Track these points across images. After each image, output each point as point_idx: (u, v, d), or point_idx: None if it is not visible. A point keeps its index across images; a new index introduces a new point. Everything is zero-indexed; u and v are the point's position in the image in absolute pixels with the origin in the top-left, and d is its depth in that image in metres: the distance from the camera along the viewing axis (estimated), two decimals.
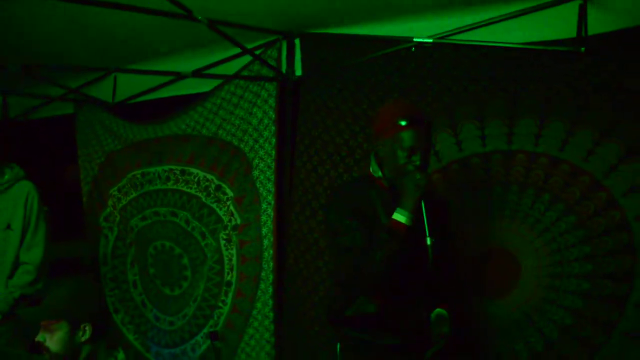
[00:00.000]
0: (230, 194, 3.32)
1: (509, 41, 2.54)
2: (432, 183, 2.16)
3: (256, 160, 3.21)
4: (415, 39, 2.73)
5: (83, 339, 1.97)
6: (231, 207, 3.30)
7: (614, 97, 2.36)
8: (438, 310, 2.13)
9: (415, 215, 1.98)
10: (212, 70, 3.36)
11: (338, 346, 2.21)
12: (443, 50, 2.70)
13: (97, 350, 2.03)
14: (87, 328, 1.97)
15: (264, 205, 3.21)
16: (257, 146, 3.21)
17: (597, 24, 2.42)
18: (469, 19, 2.64)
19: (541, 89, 2.48)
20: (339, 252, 2.09)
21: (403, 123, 2.03)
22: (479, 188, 2.61)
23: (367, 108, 2.88)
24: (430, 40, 2.70)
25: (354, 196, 2.12)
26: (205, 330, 3.39)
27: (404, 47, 2.78)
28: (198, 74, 3.33)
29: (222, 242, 3.34)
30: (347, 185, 2.33)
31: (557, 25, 2.49)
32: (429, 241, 1.96)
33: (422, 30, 2.74)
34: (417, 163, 2.02)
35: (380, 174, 2.12)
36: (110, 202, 3.88)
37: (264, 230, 3.20)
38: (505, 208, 2.54)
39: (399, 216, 1.98)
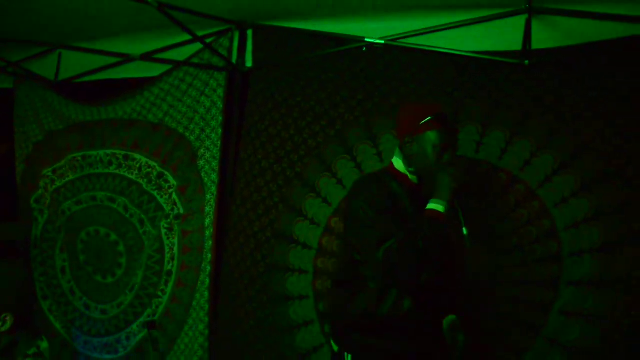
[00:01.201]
0: (173, 182, 3.25)
1: (458, 48, 2.59)
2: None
3: (202, 150, 3.16)
4: (367, 39, 2.75)
5: (3, 329, 1.90)
6: (174, 196, 3.24)
7: (552, 110, 2.44)
8: (450, 317, 2.11)
9: (450, 206, 2.00)
10: (162, 55, 3.28)
11: (348, 357, 2.10)
12: (393, 53, 2.72)
13: (19, 340, 1.96)
14: (7, 318, 1.90)
15: (208, 196, 3.16)
16: (203, 136, 3.16)
17: (542, 40, 2.50)
18: (421, 23, 2.67)
19: (485, 98, 2.54)
20: (369, 246, 1.99)
21: (434, 121, 2.07)
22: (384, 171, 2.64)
23: (315, 104, 2.88)
24: (382, 42, 2.72)
25: (381, 189, 2.09)
26: (142, 319, 3.32)
27: (355, 47, 2.79)
28: (147, 57, 3.24)
29: (163, 231, 3.27)
30: (372, 178, 2.21)
31: (504, 38, 2.56)
32: (465, 231, 2.00)
33: (374, 31, 2.76)
34: (449, 159, 2.08)
35: (410, 168, 2.12)
36: (42, 183, 3.74)
37: (207, 221, 3.15)
38: None
39: (436, 206, 1.99)
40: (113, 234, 3.48)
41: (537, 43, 2.50)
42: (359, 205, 2.05)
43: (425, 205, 2.01)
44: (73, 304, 3.60)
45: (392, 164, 2.17)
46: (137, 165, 3.37)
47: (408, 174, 2.13)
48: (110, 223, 3.47)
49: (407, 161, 2.13)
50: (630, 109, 2.34)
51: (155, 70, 3.36)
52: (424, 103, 2.38)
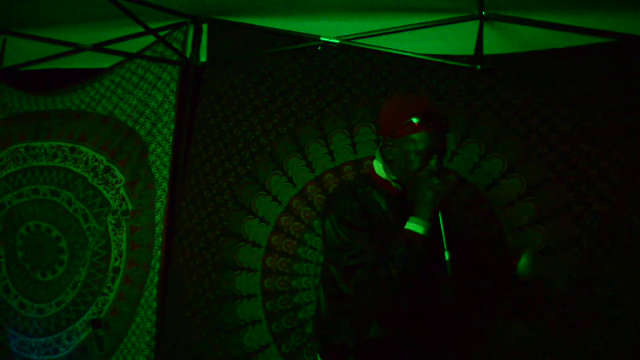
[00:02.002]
0: (121, 177, 3.17)
1: (413, 51, 2.61)
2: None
3: (153, 145, 3.09)
4: (322, 38, 2.74)
5: None
6: (122, 192, 3.16)
7: (501, 115, 2.48)
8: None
9: (433, 226, 1.73)
10: (115, 47, 3.19)
11: None
12: (348, 53, 2.73)
13: None
14: None
15: (159, 192, 3.09)
16: (155, 130, 3.09)
17: (494, 46, 2.55)
18: (376, 25, 2.69)
19: (436, 101, 2.55)
20: (345, 272, 1.77)
21: (418, 122, 1.77)
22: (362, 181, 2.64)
23: (268, 102, 2.85)
24: (337, 42, 2.72)
25: (359, 202, 1.81)
26: (86, 317, 3.21)
27: (310, 45, 2.78)
28: (98, 48, 3.14)
29: (110, 227, 3.18)
30: (348, 189, 1.94)
31: (458, 42, 2.59)
32: (447, 256, 1.69)
33: (330, 31, 2.76)
34: (434, 168, 1.79)
35: (392, 176, 1.87)
36: None
37: (158, 218, 3.08)
38: None
39: (415, 226, 1.72)
40: (55, 230, 3.36)
41: (490, 49, 2.54)
42: (330, 225, 1.81)
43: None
44: (7, 302, 3.46)
45: (372, 168, 1.92)
46: (84, 159, 3.27)
47: (391, 181, 1.88)
48: (53, 218, 3.35)
49: (387, 167, 1.87)
50: (574, 115, 2.40)
51: (107, 61, 3.27)
52: (410, 97, 2.00)
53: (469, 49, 2.55)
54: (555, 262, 1.91)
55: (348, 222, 1.77)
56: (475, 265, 2.17)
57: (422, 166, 1.80)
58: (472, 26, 2.53)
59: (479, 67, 2.52)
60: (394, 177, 1.87)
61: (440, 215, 1.74)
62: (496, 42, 2.55)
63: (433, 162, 1.80)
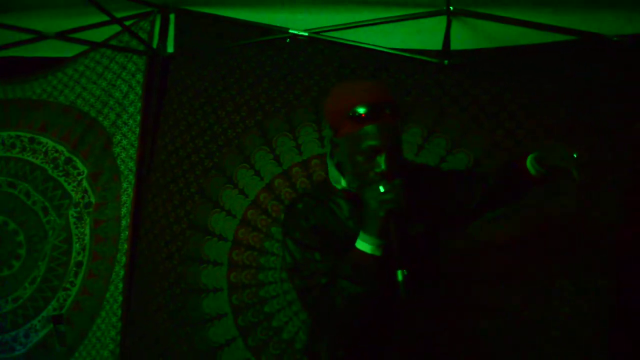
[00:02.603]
0: (83, 169, 3.09)
1: (382, 45, 2.61)
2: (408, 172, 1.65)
3: (118, 137, 3.03)
4: (290, 31, 2.72)
5: None
6: (84, 184, 3.08)
7: (468, 110, 2.51)
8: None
9: (387, 239, 1.50)
10: (79, 35, 3.11)
11: None
12: (317, 46, 2.71)
13: None
14: None
15: (124, 184, 3.03)
16: (119, 122, 3.03)
17: (462, 41, 2.57)
18: (345, 18, 2.67)
19: (403, 95, 2.57)
20: (299, 293, 1.65)
21: (359, 115, 1.52)
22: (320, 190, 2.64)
23: (236, 94, 2.82)
24: (306, 34, 2.70)
25: (314, 211, 1.63)
26: (45, 313, 3.12)
27: (279, 38, 2.76)
28: (62, 36, 3.06)
29: (72, 220, 3.10)
30: (305, 199, 1.72)
31: (426, 37, 2.60)
32: (399, 276, 1.44)
33: (298, 23, 2.73)
34: (382, 167, 1.52)
35: (343, 184, 1.63)
36: None
37: (124, 210, 3.02)
38: None
39: (363, 244, 1.51)
40: (12, 223, 3.25)
41: (457, 44, 2.57)
42: (283, 244, 1.67)
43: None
44: None
45: (329, 181, 1.71)
46: (43, 149, 3.18)
47: (347, 188, 1.65)
48: (10, 210, 3.24)
49: (337, 171, 1.65)
50: (539, 112, 2.44)
51: (71, 50, 3.19)
52: (350, 85, 1.66)
53: (438, 44, 2.57)
54: (562, 149, 1.74)
55: (298, 240, 1.61)
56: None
57: (370, 168, 1.54)
58: (441, 21, 2.55)
59: (446, 62, 2.54)
60: (344, 185, 1.64)
61: (392, 226, 1.49)
62: (464, 38, 2.57)
63: (381, 162, 1.53)
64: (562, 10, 2.44)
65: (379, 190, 1.50)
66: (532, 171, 1.76)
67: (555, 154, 1.74)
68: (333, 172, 1.67)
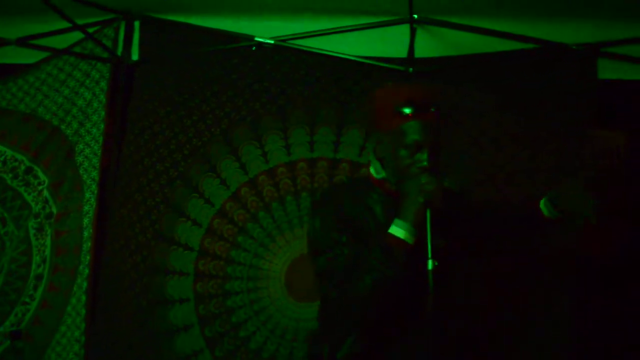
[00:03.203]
0: (45, 178, 3.01)
1: (348, 53, 2.63)
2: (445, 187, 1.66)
3: (81, 145, 2.97)
4: (256, 38, 2.72)
5: None
6: (45, 194, 3.00)
7: None
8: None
9: (420, 229, 1.53)
10: (41, 42, 3.05)
11: None
12: (283, 54, 2.71)
13: None
14: None
15: (87, 194, 2.96)
16: (82, 130, 2.97)
17: (426, 49, 2.60)
18: (311, 26, 2.69)
19: (369, 102, 2.57)
20: (320, 275, 1.63)
21: (406, 111, 1.59)
22: (301, 192, 2.66)
23: (201, 102, 2.80)
24: (272, 42, 2.70)
25: (348, 202, 1.66)
26: (2, 329, 3.02)
27: (245, 45, 2.75)
28: (23, 42, 3.00)
29: (32, 232, 3.01)
30: (340, 188, 1.85)
31: (391, 45, 2.63)
32: (430, 265, 1.48)
33: (264, 31, 2.73)
34: (424, 163, 1.58)
35: (383, 174, 1.67)
36: None
37: (86, 221, 2.95)
38: None
39: (397, 230, 1.53)
40: None
41: (422, 52, 2.60)
42: (312, 227, 1.68)
43: None
44: None
45: (370, 172, 1.75)
46: (1, 159, 3.07)
47: (384, 180, 1.69)
48: None
49: (379, 164, 1.69)
50: (502, 119, 2.48)
51: (33, 57, 3.11)
52: (400, 85, 1.77)
53: (403, 52, 2.60)
54: (578, 192, 1.72)
55: (328, 220, 1.64)
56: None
57: (412, 162, 1.60)
58: (405, 29, 2.57)
59: (411, 69, 2.57)
60: (384, 176, 1.68)
61: (428, 217, 1.52)
62: (428, 45, 2.61)
63: (422, 157, 1.58)
64: (524, 19, 2.50)
65: (420, 180, 1.55)
66: (546, 212, 1.77)
67: (572, 198, 1.73)
68: (376, 165, 1.71)
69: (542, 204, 1.77)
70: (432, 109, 1.62)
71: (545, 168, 2.44)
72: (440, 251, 1.55)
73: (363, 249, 1.58)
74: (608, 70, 2.51)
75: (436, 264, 1.47)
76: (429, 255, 1.48)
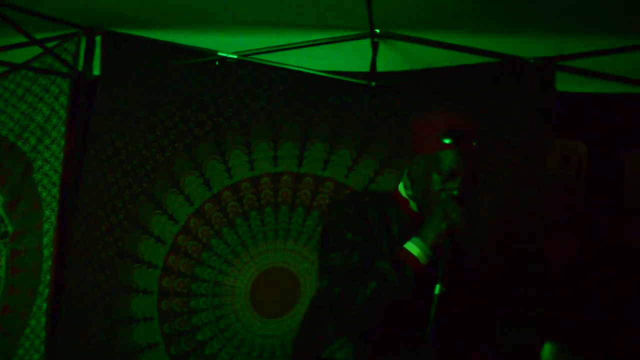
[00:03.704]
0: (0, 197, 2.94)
1: (311, 67, 2.64)
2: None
3: (39, 162, 2.90)
4: (219, 53, 2.71)
5: None
6: (1, 212, 2.93)
7: (395, 131, 2.55)
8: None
9: (434, 255, 1.53)
10: None
11: None
12: (246, 68, 2.71)
13: None
14: None
15: (47, 212, 2.89)
16: (41, 146, 2.90)
17: (389, 63, 2.62)
18: (274, 40, 2.68)
19: (332, 117, 2.59)
20: (322, 273, 1.65)
21: (446, 141, 1.62)
22: (265, 207, 2.64)
23: (164, 117, 2.77)
24: (235, 57, 2.70)
25: (371, 209, 1.68)
26: None
27: (208, 60, 2.74)
28: None
29: None
30: (365, 194, 1.87)
31: (355, 59, 2.64)
32: (437, 289, 1.47)
33: (227, 46, 2.73)
34: (455, 193, 1.60)
35: (410, 193, 1.71)
36: None
37: (46, 240, 2.88)
38: (290, 229, 2.59)
39: (413, 247, 1.53)
40: None
41: (384, 66, 2.62)
42: (324, 227, 1.74)
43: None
44: None
45: (397, 188, 1.78)
46: None
47: (409, 199, 1.72)
48: None
49: (409, 183, 1.73)
50: None
51: None
52: (445, 114, 1.78)
53: (365, 66, 2.61)
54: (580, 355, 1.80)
55: (346, 224, 1.65)
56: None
57: (443, 188, 1.62)
58: (368, 44, 2.59)
59: (373, 83, 2.58)
60: (410, 194, 1.71)
61: (447, 244, 1.52)
62: (391, 60, 2.63)
63: (454, 185, 1.60)
64: (484, 34, 2.54)
65: (450, 206, 1.56)
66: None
67: None
68: (406, 183, 1.74)
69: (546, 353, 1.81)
70: (474, 143, 1.65)
71: (504, 179, 2.48)
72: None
73: (375, 256, 1.58)
74: (566, 83, 2.56)
75: (444, 290, 1.46)
76: (439, 281, 1.47)
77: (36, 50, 2.92)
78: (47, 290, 2.84)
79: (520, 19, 2.42)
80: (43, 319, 2.84)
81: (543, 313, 2.44)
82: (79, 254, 2.83)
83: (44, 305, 2.84)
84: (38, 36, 2.75)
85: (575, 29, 2.45)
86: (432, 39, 2.53)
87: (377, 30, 2.52)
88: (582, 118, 3.59)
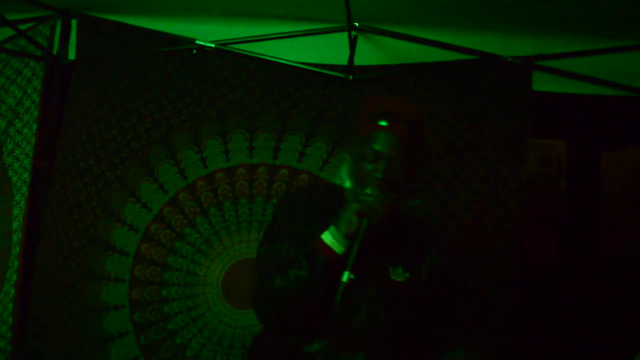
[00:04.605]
0: None
1: (290, 59, 2.62)
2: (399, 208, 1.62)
3: (10, 146, 2.85)
4: (197, 42, 2.68)
5: None
6: None
7: None
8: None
9: (349, 242, 1.49)
10: None
11: None
12: (224, 57, 2.68)
13: None
14: None
15: (17, 197, 2.84)
16: (12, 130, 2.85)
17: (367, 57, 2.62)
18: (253, 30, 2.66)
19: (309, 109, 2.58)
20: (256, 267, 1.64)
21: (373, 122, 1.59)
22: (239, 198, 2.63)
23: (140, 105, 2.73)
24: (213, 45, 2.67)
25: (310, 204, 1.65)
26: None
27: (185, 48, 2.70)
28: None
29: None
30: (305, 192, 1.86)
31: (333, 52, 2.64)
32: (345, 277, 1.42)
33: (206, 34, 2.69)
34: (378, 175, 1.55)
35: (347, 183, 1.64)
36: None
37: (15, 225, 2.83)
38: (264, 221, 2.58)
39: (327, 235, 1.50)
40: None
41: (362, 60, 2.61)
42: (276, 216, 1.72)
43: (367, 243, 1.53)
44: None
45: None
46: None
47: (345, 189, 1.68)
48: None
49: (346, 172, 1.69)
50: (440, 128, 2.53)
51: None
52: (388, 97, 1.82)
53: (344, 59, 2.61)
54: None
55: (280, 221, 1.66)
56: None
57: (369, 172, 1.57)
58: (346, 37, 2.58)
59: (351, 77, 2.58)
60: (348, 183, 1.66)
61: (362, 231, 1.47)
62: (369, 54, 2.64)
63: (380, 169, 1.56)
64: (463, 31, 2.55)
65: (365, 191, 1.51)
66: None
67: None
68: (343, 170, 1.69)
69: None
70: (402, 124, 1.59)
71: (479, 176, 2.50)
72: (399, 285, 1.56)
73: (299, 247, 1.55)
74: (544, 83, 2.58)
75: (352, 277, 1.42)
76: (349, 266, 1.43)
77: (9, 31, 2.87)
78: (15, 276, 2.80)
79: (500, 18, 2.44)
80: (10, 305, 2.79)
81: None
82: (50, 241, 2.79)
83: (12, 292, 2.80)
84: (11, 17, 2.69)
85: (555, 30, 2.48)
86: (412, 34, 2.53)
87: (356, 24, 2.52)
88: (562, 117, 3.62)
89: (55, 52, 2.84)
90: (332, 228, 1.51)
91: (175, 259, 2.65)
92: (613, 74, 2.53)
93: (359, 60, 2.58)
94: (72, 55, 2.86)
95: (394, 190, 1.57)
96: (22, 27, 2.79)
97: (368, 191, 1.51)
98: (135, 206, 2.70)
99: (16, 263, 2.80)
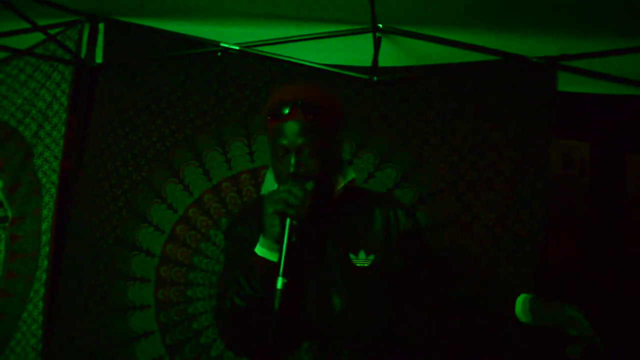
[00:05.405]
0: None
1: (313, 60, 2.63)
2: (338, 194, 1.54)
3: (40, 148, 2.91)
4: (222, 44, 2.71)
5: None
6: (0, 196, 2.94)
7: (395, 126, 2.55)
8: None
9: (278, 245, 1.39)
10: (1, 41, 2.99)
11: None
12: (248, 60, 2.71)
13: None
14: None
15: (46, 198, 2.90)
16: (42, 132, 2.91)
17: (390, 58, 2.62)
18: (277, 32, 2.68)
19: (326, 91, 2.57)
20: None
21: (274, 109, 1.45)
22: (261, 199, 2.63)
23: (165, 107, 2.77)
24: (237, 48, 2.69)
25: (249, 220, 1.57)
26: None
27: (210, 51, 2.74)
28: None
29: None
30: (249, 209, 1.72)
31: (357, 54, 2.64)
32: (279, 283, 1.34)
33: (230, 37, 2.72)
34: (290, 169, 1.43)
35: (274, 186, 1.52)
36: None
37: (44, 226, 2.89)
38: None
39: (259, 248, 1.42)
40: None
41: (386, 61, 2.61)
42: (225, 238, 1.68)
43: (313, 239, 1.49)
44: None
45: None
46: None
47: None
48: None
49: (273, 177, 1.57)
50: (463, 129, 2.51)
51: None
52: (290, 85, 1.58)
53: (367, 61, 2.61)
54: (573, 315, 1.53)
55: (228, 244, 1.62)
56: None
57: (283, 168, 1.46)
58: (370, 38, 2.58)
59: (375, 78, 2.58)
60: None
61: (287, 231, 1.37)
62: (393, 55, 2.63)
63: (290, 163, 1.43)
64: (486, 32, 2.54)
65: (279, 189, 1.42)
66: (523, 318, 1.58)
67: (560, 316, 1.53)
68: (269, 179, 1.59)
69: (519, 307, 1.58)
70: (299, 110, 1.43)
71: (503, 176, 2.48)
72: (367, 270, 1.48)
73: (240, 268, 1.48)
74: (568, 83, 2.55)
75: (285, 281, 1.33)
76: (280, 273, 1.34)
77: (39, 36, 2.93)
78: (44, 276, 2.86)
79: (524, 18, 2.42)
80: (40, 304, 2.86)
81: None
82: (78, 241, 2.85)
83: (42, 290, 2.86)
84: (41, 22, 2.75)
85: (578, 30, 2.45)
86: (435, 35, 2.53)
87: (380, 25, 2.52)
88: (586, 118, 3.58)
89: (83, 55, 2.90)
90: (261, 238, 1.42)
91: (200, 260, 2.68)
92: (638, 73, 2.50)
93: (383, 62, 2.58)
94: (99, 59, 2.92)
95: (311, 178, 1.45)
96: (52, 31, 2.86)
97: (281, 188, 1.41)
98: (161, 207, 2.73)
99: (46, 263, 2.86)
